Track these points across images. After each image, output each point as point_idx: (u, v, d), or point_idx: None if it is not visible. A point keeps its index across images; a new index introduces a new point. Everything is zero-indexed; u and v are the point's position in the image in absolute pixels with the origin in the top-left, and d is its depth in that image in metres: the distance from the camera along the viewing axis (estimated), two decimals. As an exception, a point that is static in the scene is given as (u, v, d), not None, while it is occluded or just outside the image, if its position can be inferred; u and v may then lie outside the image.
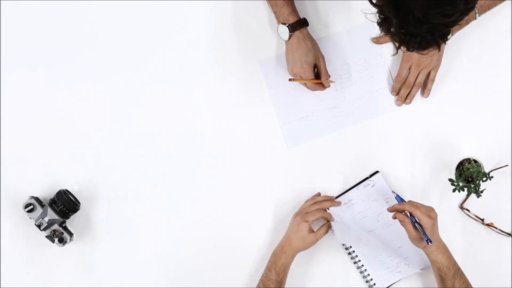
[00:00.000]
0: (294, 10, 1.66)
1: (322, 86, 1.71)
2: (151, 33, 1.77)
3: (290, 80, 1.68)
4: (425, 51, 1.28)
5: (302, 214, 1.67)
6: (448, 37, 1.27)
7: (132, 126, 1.76)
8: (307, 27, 1.67)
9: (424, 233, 1.58)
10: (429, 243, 1.58)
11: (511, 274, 1.72)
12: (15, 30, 1.77)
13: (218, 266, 1.74)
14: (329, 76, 1.70)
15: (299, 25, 1.65)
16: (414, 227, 1.60)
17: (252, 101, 1.76)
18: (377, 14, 1.25)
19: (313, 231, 1.66)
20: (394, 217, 1.62)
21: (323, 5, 1.75)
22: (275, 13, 1.67)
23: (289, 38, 1.65)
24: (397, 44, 1.28)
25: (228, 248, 1.74)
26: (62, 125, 1.76)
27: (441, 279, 1.61)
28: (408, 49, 1.27)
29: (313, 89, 1.70)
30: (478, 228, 1.73)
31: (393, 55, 1.71)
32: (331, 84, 1.72)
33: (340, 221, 1.71)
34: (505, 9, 1.73)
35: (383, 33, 1.28)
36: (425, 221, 1.57)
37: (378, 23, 1.27)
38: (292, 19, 1.64)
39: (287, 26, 1.64)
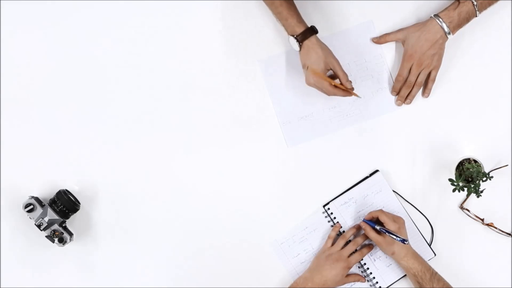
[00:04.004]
0: (300, 21, 1.65)
1: (344, 90, 1.66)
2: (151, 33, 1.77)
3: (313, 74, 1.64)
4: None
5: (343, 259, 1.68)
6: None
7: (132, 126, 1.76)
8: (316, 35, 1.66)
9: (396, 235, 1.61)
10: (404, 242, 1.61)
11: (511, 274, 1.72)
12: (15, 31, 1.76)
13: (218, 266, 1.74)
14: (347, 77, 1.67)
15: (307, 34, 1.64)
16: (378, 233, 1.65)
17: (252, 101, 1.76)
18: None
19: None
20: (359, 226, 1.70)
21: (323, 5, 1.75)
22: (283, 25, 1.67)
23: (300, 48, 1.66)
24: None
25: (228, 248, 1.74)
26: (62, 125, 1.75)
27: (419, 285, 1.62)
28: None
29: (332, 94, 1.66)
30: (478, 228, 1.73)
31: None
32: (358, 95, 1.70)
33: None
34: (505, 9, 1.73)
35: None
36: (390, 225, 1.63)
37: None
38: (298, 30, 1.64)
39: (295, 38, 1.64)
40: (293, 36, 1.65)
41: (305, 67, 1.66)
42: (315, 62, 1.64)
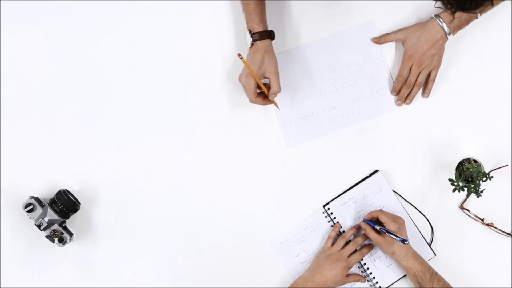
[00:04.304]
0: (262, 20, 1.64)
1: (265, 100, 1.66)
2: (151, 33, 1.76)
3: (238, 55, 1.60)
4: (479, 9, 1.27)
5: (343, 259, 1.68)
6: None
7: (132, 126, 1.76)
8: (271, 40, 1.65)
9: (396, 235, 1.61)
10: (404, 242, 1.61)
11: (511, 274, 1.72)
12: (15, 31, 1.76)
13: (218, 265, 1.74)
14: (279, 92, 1.65)
15: (263, 35, 1.64)
16: (378, 233, 1.65)
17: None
18: None
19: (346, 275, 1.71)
20: (359, 226, 1.70)
21: (323, 5, 1.75)
22: (245, 18, 1.67)
23: (251, 46, 1.65)
24: (453, 9, 1.26)
25: (228, 248, 1.74)
26: (62, 125, 1.75)
27: (419, 285, 1.62)
28: (464, 10, 1.26)
29: (252, 101, 1.66)
30: (478, 228, 1.73)
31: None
32: (276, 104, 1.69)
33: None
34: (505, 9, 1.73)
35: (437, 1, 1.27)
36: (390, 225, 1.63)
37: None
38: (257, 28, 1.64)
39: (251, 34, 1.64)
40: (250, 31, 1.64)
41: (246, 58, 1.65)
42: (255, 63, 1.63)
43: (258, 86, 1.65)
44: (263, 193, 1.75)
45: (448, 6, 1.26)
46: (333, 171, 1.75)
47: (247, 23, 1.66)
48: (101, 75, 1.76)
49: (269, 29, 1.66)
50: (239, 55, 1.60)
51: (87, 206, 1.75)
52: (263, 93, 1.67)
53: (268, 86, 1.65)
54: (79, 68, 1.76)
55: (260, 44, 1.64)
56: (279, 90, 1.64)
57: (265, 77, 1.65)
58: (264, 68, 1.64)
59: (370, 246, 1.71)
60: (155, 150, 1.75)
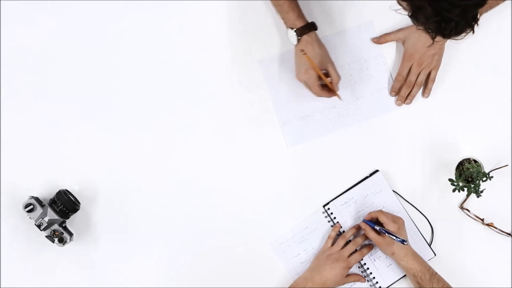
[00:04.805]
0: (301, 15, 1.65)
1: (330, 92, 1.67)
2: (151, 33, 1.77)
3: (301, 51, 1.62)
4: (460, 36, 1.29)
5: (343, 259, 1.68)
6: (478, 16, 1.28)
7: (132, 126, 1.76)
8: (316, 31, 1.66)
9: (395, 236, 1.61)
10: (404, 242, 1.61)
11: (511, 274, 1.72)
12: (16, 33, 1.76)
13: (217, 265, 1.74)
14: (340, 80, 1.67)
15: (307, 29, 1.64)
16: (378, 233, 1.65)
17: (252, 101, 1.75)
18: (409, 6, 1.25)
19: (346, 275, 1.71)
20: (359, 227, 1.70)
21: (323, 4, 1.75)
22: (282, 18, 1.66)
23: (298, 42, 1.65)
24: (433, 35, 1.28)
25: (228, 248, 1.74)
26: (63, 125, 1.75)
27: (419, 285, 1.63)
28: (444, 37, 1.27)
29: (319, 95, 1.67)
30: (478, 228, 1.73)
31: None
32: (340, 97, 1.69)
33: None
34: (505, 9, 1.73)
35: (417, 24, 1.27)
36: (390, 225, 1.63)
37: (411, 15, 1.27)
38: (299, 24, 1.63)
39: (295, 31, 1.63)
40: (292, 29, 1.64)
41: (297, 61, 1.65)
42: (312, 57, 1.63)
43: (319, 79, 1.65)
44: (263, 193, 1.75)
45: (429, 31, 1.27)
46: (333, 171, 1.75)
47: (285, 22, 1.65)
48: (101, 75, 1.76)
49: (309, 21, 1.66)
50: (302, 51, 1.60)
51: (87, 206, 1.75)
52: (325, 85, 1.67)
53: (327, 76, 1.66)
54: (79, 68, 1.76)
55: (308, 37, 1.63)
56: (340, 78, 1.66)
57: (323, 69, 1.65)
58: (321, 60, 1.64)
59: (370, 246, 1.71)
60: (155, 150, 1.75)
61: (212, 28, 1.76)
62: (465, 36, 1.29)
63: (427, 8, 1.23)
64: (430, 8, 1.22)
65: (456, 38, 1.29)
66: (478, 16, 1.27)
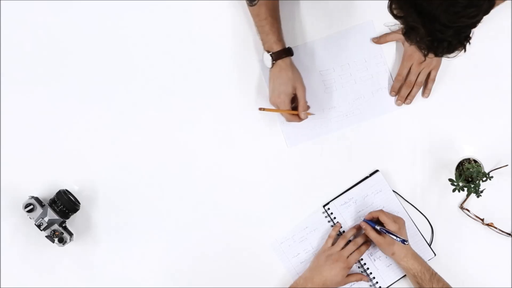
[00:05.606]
0: (280, 39, 1.65)
1: (299, 117, 1.68)
2: (151, 33, 1.77)
3: (260, 109, 1.68)
4: (452, 54, 1.29)
5: (343, 259, 1.68)
6: (471, 35, 1.29)
7: (132, 126, 1.76)
8: (291, 57, 1.66)
9: (396, 236, 1.61)
10: (404, 242, 1.61)
11: (511, 274, 1.72)
12: (16, 27, 1.76)
13: (218, 265, 1.74)
14: (309, 107, 1.68)
15: (283, 54, 1.64)
16: (379, 233, 1.65)
17: (252, 101, 1.75)
18: (403, 25, 1.26)
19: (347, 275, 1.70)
20: (359, 227, 1.70)
21: (323, 4, 1.75)
22: (261, 40, 1.67)
23: (272, 66, 1.65)
24: (425, 52, 1.28)
25: (228, 248, 1.74)
26: (62, 125, 1.75)
27: (419, 285, 1.63)
28: (436, 55, 1.29)
29: (289, 120, 1.68)
30: (478, 228, 1.73)
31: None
32: (311, 114, 1.70)
33: None
34: (505, 9, 1.73)
35: (410, 43, 1.28)
36: (391, 225, 1.63)
37: (405, 33, 1.28)
38: (276, 48, 1.64)
39: (271, 55, 1.64)
40: (268, 52, 1.64)
41: (271, 85, 1.66)
42: (283, 83, 1.64)
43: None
44: (263, 193, 1.75)
45: (421, 49, 1.28)
46: (333, 171, 1.75)
47: (264, 44, 1.66)
48: (101, 76, 1.76)
49: (287, 46, 1.66)
50: (260, 108, 1.66)
51: (87, 206, 1.75)
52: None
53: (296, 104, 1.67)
54: (79, 68, 1.76)
55: (282, 63, 1.64)
56: (308, 107, 1.67)
57: (294, 93, 1.66)
58: (292, 85, 1.65)
59: (367, 243, 1.71)
60: (155, 150, 1.75)
61: (212, 28, 1.76)
62: (457, 54, 1.30)
63: (420, 28, 1.23)
64: (423, 29, 1.23)
65: (448, 56, 1.30)
66: (471, 35, 1.27)
